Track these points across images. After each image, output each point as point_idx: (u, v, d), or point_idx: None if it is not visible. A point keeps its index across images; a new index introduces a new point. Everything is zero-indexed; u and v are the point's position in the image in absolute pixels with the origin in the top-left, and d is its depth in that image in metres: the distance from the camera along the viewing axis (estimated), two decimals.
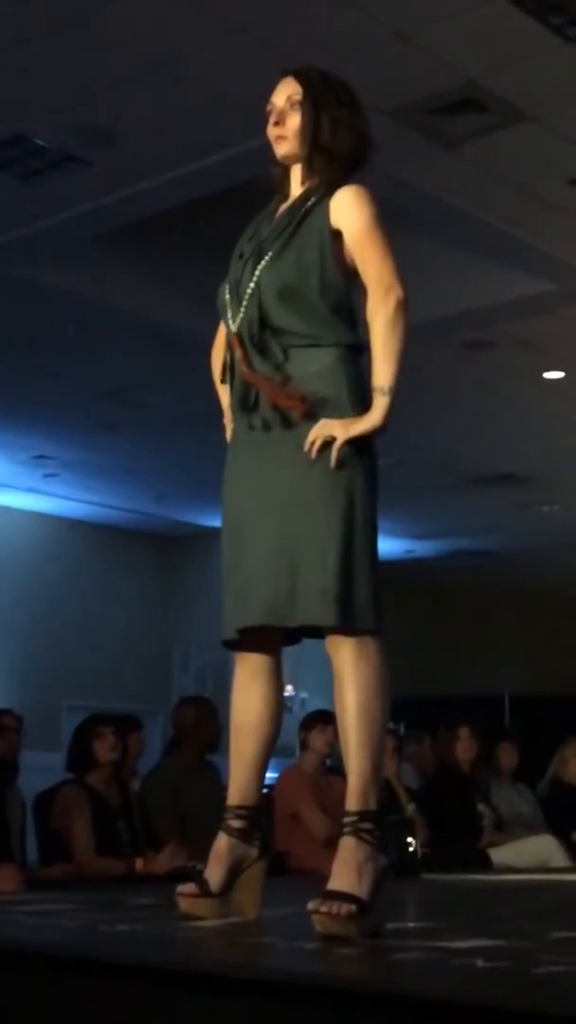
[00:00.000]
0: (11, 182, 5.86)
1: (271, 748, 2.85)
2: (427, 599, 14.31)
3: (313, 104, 2.84)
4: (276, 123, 2.88)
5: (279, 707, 2.86)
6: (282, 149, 2.88)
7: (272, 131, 2.89)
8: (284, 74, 2.92)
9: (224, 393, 2.95)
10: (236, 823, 2.80)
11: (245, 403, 2.79)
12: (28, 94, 5.21)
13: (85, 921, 2.78)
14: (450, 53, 4.89)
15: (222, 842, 2.79)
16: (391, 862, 2.67)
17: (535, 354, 7.89)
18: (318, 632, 2.72)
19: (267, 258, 2.79)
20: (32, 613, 11.62)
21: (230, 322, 2.83)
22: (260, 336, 2.76)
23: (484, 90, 5.11)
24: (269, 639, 2.80)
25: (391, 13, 4.65)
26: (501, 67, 4.99)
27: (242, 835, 2.79)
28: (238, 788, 2.82)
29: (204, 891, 2.73)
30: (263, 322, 2.76)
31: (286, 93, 2.88)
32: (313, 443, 2.67)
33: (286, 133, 2.87)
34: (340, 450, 2.67)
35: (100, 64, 4.98)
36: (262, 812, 2.87)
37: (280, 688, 2.86)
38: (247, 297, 2.79)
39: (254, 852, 2.80)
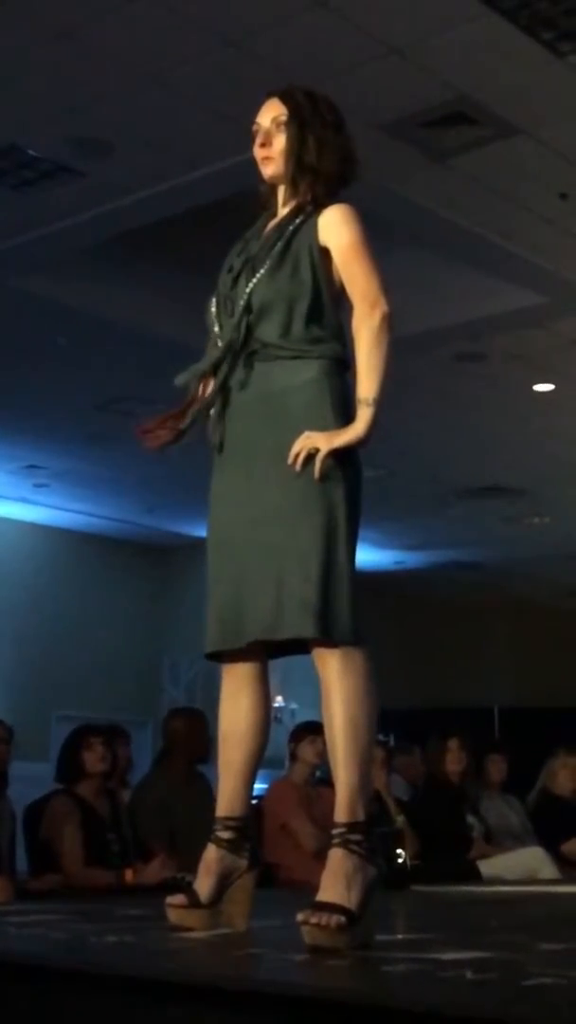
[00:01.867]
0: (3, 192, 5.87)
1: (259, 759, 2.85)
2: (416, 611, 14.32)
3: (298, 125, 2.87)
4: (262, 144, 2.91)
5: (267, 718, 2.86)
6: (269, 170, 2.91)
7: (259, 152, 2.92)
8: (269, 95, 2.94)
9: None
10: (225, 834, 2.80)
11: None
12: (22, 105, 5.22)
13: (74, 932, 2.78)
14: (443, 67, 4.91)
15: (211, 853, 2.79)
16: (380, 874, 2.67)
17: (526, 366, 7.91)
18: (303, 647, 2.73)
19: (259, 274, 2.81)
20: (22, 623, 11.60)
21: (216, 337, 2.86)
22: (246, 349, 2.79)
23: (476, 104, 5.13)
24: (254, 650, 2.80)
25: (384, 28, 4.67)
26: (493, 81, 5.01)
27: (231, 846, 2.79)
28: (227, 799, 2.83)
29: (193, 902, 2.73)
30: (251, 336, 2.79)
31: (271, 114, 2.90)
32: (297, 455, 2.69)
33: (272, 154, 2.89)
34: (323, 462, 2.68)
35: (94, 76, 4.99)
36: (251, 823, 2.87)
37: (267, 699, 2.86)
38: (236, 312, 2.81)
39: (243, 863, 2.80)
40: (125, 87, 5.06)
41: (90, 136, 5.42)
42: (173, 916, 2.73)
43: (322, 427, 2.71)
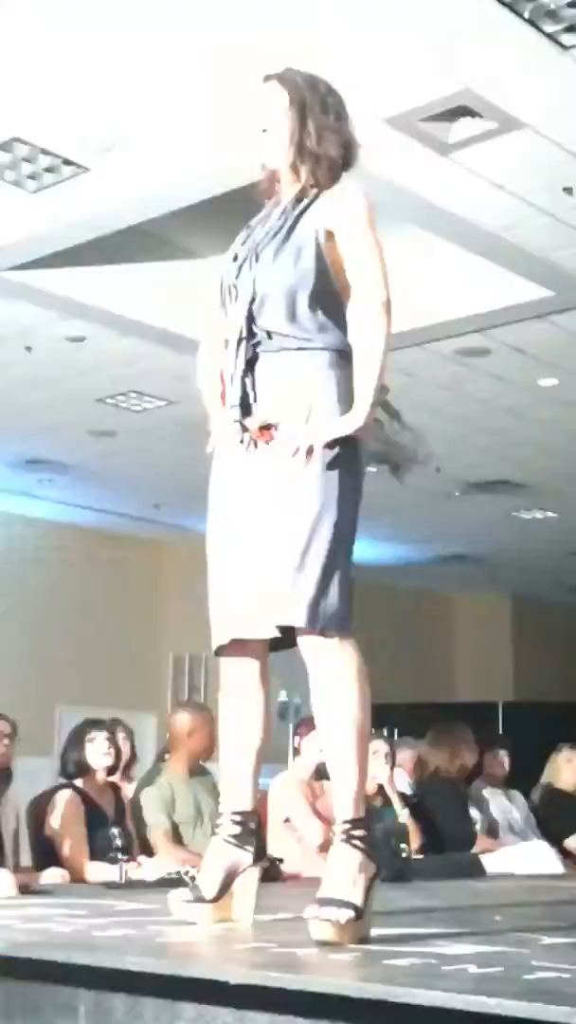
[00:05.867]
0: (10, 187, 5.86)
1: (263, 753, 2.85)
2: (419, 605, 14.31)
3: (299, 110, 2.85)
4: (263, 131, 2.89)
5: (268, 712, 2.86)
6: (270, 156, 2.90)
7: (260, 139, 2.90)
8: (267, 79, 2.92)
9: (209, 399, 2.95)
10: (229, 828, 2.80)
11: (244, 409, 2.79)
12: (28, 99, 5.21)
13: (78, 926, 2.78)
14: (446, 61, 4.89)
15: (216, 847, 2.79)
16: (384, 868, 2.67)
17: (529, 361, 7.90)
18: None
19: (262, 261, 2.79)
20: (26, 618, 11.60)
21: (223, 326, 2.85)
22: (251, 339, 2.77)
23: (480, 97, 5.12)
24: (255, 645, 2.80)
25: (387, 20, 4.66)
26: (497, 74, 4.99)
27: (235, 841, 2.79)
28: (231, 793, 2.83)
29: (198, 896, 2.74)
30: (256, 325, 2.77)
31: (271, 99, 2.88)
32: (297, 446, 2.68)
33: (273, 140, 2.87)
34: (320, 452, 2.67)
35: (100, 69, 4.98)
36: (255, 818, 2.87)
37: (268, 693, 2.86)
38: (241, 300, 2.79)
39: (247, 858, 2.80)
40: (132, 80, 5.05)
41: (96, 130, 5.40)
42: (177, 910, 2.74)
43: (327, 417, 2.71)
